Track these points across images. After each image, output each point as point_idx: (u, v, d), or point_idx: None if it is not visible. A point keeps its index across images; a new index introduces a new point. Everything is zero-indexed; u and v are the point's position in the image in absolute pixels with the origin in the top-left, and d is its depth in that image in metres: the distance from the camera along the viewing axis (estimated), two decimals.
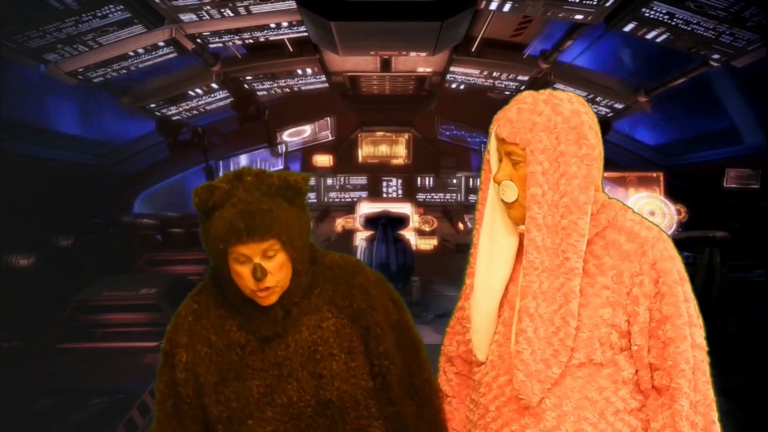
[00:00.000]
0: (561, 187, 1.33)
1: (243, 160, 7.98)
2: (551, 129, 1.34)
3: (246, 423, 1.39)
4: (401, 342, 1.53)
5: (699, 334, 1.33)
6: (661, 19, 4.40)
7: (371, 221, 5.72)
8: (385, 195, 8.14)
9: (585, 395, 1.32)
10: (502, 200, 1.41)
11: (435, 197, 8.12)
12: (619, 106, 6.67)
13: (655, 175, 6.73)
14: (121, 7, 4.39)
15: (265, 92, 7.10)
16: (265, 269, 1.37)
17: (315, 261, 1.52)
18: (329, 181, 8.15)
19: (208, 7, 4.61)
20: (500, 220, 1.44)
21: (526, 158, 1.35)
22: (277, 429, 1.40)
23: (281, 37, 5.49)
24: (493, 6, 4.51)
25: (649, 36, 4.68)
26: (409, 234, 6.57)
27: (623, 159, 7.64)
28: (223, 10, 4.68)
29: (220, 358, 1.42)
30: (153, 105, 6.62)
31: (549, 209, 1.33)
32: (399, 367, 1.51)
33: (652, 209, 6.17)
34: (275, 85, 6.95)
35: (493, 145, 1.44)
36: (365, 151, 8.31)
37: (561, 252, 1.32)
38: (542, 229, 1.33)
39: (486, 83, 6.71)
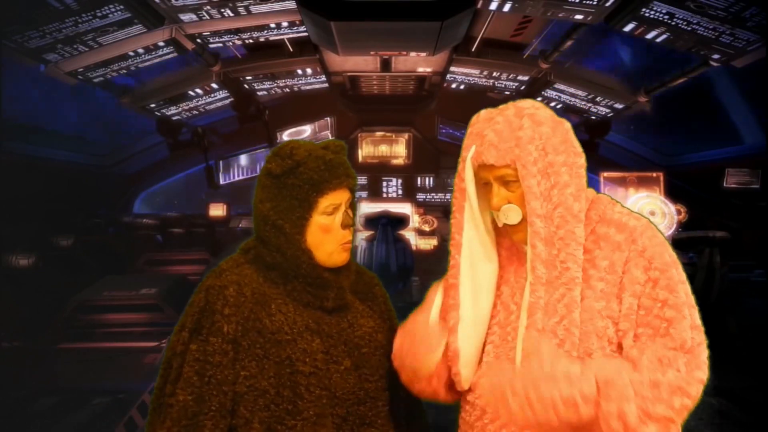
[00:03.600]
0: (554, 197, 1.32)
1: (243, 160, 7.98)
2: (536, 140, 1.34)
3: (295, 403, 1.38)
4: None
5: (696, 316, 1.32)
6: (661, 19, 4.40)
7: (371, 221, 5.72)
8: (385, 195, 8.14)
9: None
10: (506, 224, 1.39)
11: (435, 197, 8.12)
12: (619, 106, 6.67)
13: (655, 175, 6.74)
14: (121, 7, 4.38)
15: (265, 92, 7.10)
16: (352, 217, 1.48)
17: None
18: None
19: (208, 7, 4.60)
20: (479, 248, 1.43)
21: (518, 175, 1.34)
22: (322, 413, 1.39)
23: (281, 37, 5.48)
24: (493, 6, 4.50)
25: (649, 36, 4.68)
26: (409, 234, 6.58)
27: (623, 159, 7.65)
28: (223, 10, 4.67)
29: (270, 334, 1.40)
30: (153, 105, 6.61)
31: (544, 221, 1.32)
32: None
33: (652, 209, 6.18)
34: (275, 85, 6.94)
35: (469, 174, 1.40)
36: (365, 151, 8.31)
37: (559, 262, 1.32)
38: (545, 241, 1.32)
39: (486, 83, 6.71)
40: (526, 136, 1.33)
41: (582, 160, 1.37)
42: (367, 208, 6.88)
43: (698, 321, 1.32)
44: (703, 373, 1.27)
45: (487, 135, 1.37)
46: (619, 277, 1.32)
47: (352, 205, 1.52)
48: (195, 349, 1.37)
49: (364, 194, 8.05)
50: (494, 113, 1.40)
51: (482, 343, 1.43)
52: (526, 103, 1.39)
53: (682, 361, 1.26)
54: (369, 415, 1.45)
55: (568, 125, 1.39)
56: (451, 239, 1.46)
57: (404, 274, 5.55)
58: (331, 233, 1.45)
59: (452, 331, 1.42)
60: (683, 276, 1.34)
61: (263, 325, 1.40)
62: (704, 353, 1.29)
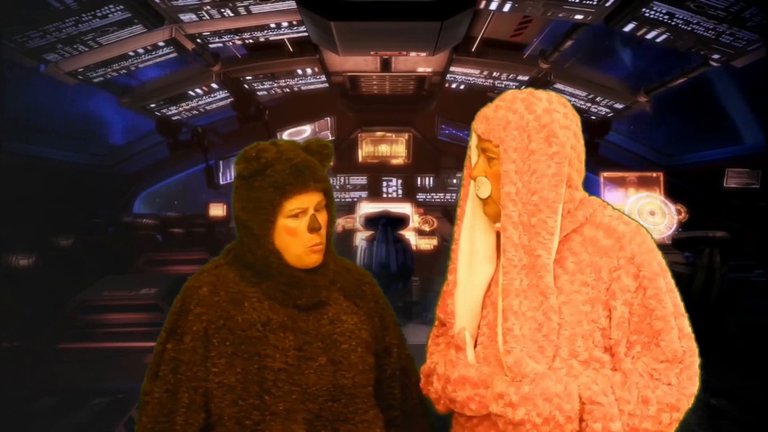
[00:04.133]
0: (532, 185, 1.33)
1: None
2: (523, 127, 1.35)
3: (262, 398, 1.39)
4: (402, 356, 1.63)
5: (686, 324, 1.33)
6: (661, 19, 4.40)
7: (371, 221, 5.71)
8: (385, 195, 8.13)
9: None
10: (477, 196, 1.43)
11: (435, 197, 8.12)
12: (619, 106, 6.67)
13: (655, 175, 6.73)
14: (121, 7, 4.39)
15: (265, 92, 7.10)
16: (319, 221, 1.44)
17: (335, 256, 1.58)
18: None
19: (208, 7, 4.61)
20: (480, 216, 1.46)
21: (499, 156, 1.37)
22: (292, 408, 1.40)
23: (281, 37, 5.49)
24: (493, 6, 4.50)
25: (649, 36, 4.68)
26: (409, 234, 6.57)
27: (623, 159, 7.65)
28: (223, 10, 4.67)
29: (241, 332, 1.42)
30: (153, 105, 6.62)
31: (524, 207, 1.34)
32: (398, 378, 1.60)
33: (652, 209, 6.17)
34: (275, 85, 6.95)
35: (473, 140, 1.46)
36: (365, 151, 8.31)
37: (531, 249, 1.33)
38: (518, 227, 1.34)
39: (486, 83, 6.71)
40: (514, 121, 1.36)
41: (566, 149, 1.36)
42: (367, 208, 6.87)
43: (688, 329, 1.32)
44: (693, 386, 1.29)
45: (490, 107, 1.41)
46: (606, 283, 1.32)
47: (329, 208, 1.50)
48: (171, 348, 1.44)
49: (364, 194, 8.05)
50: (511, 92, 1.43)
51: (476, 311, 1.44)
52: (542, 94, 1.41)
53: (673, 373, 1.27)
54: (345, 411, 1.44)
55: (557, 115, 1.37)
56: (458, 207, 1.50)
57: (404, 274, 5.54)
58: (297, 237, 1.43)
59: (449, 294, 1.47)
60: (671, 284, 1.34)
61: (234, 323, 1.43)
62: (696, 362, 1.30)
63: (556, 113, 1.37)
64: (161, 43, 5.20)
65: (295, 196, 1.42)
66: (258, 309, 1.45)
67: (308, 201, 1.44)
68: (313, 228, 1.43)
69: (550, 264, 1.33)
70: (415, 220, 7.05)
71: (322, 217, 1.47)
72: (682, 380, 1.27)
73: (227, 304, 1.45)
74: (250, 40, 5.42)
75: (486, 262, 1.45)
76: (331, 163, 1.56)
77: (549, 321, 1.31)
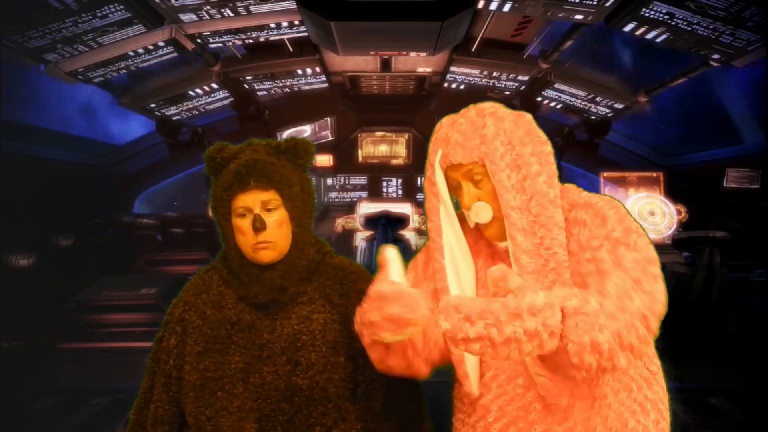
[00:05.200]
0: (527, 188, 1.34)
1: None
2: (501, 135, 1.35)
3: (215, 394, 1.43)
4: None
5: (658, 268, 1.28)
6: (661, 19, 4.40)
7: (371, 221, 5.71)
8: (385, 195, 8.14)
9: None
10: (478, 223, 1.40)
11: None
12: (619, 106, 6.67)
13: (655, 175, 6.73)
14: (121, 7, 4.39)
15: (265, 92, 7.10)
16: (264, 221, 1.43)
17: (322, 255, 1.57)
18: (329, 181, 8.16)
19: (208, 7, 4.61)
20: (458, 250, 1.44)
21: (487, 171, 1.36)
22: (243, 406, 1.42)
23: (281, 37, 5.49)
24: (493, 6, 4.50)
25: (649, 36, 4.68)
26: (409, 234, 6.57)
27: (623, 159, 7.65)
28: (223, 10, 4.67)
29: (210, 331, 1.48)
30: (153, 105, 6.62)
31: (520, 213, 1.33)
32: (383, 381, 1.48)
33: (652, 209, 6.18)
34: (275, 85, 6.94)
35: (440, 178, 1.42)
36: (365, 151, 8.31)
37: (544, 249, 1.32)
38: (522, 232, 1.33)
39: (486, 83, 6.71)
40: (490, 133, 1.36)
41: (549, 147, 1.38)
42: (367, 208, 6.87)
43: (658, 271, 1.27)
44: (662, 306, 1.21)
45: (452, 136, 1.39)
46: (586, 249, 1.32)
47: (289, 206, 1.47)
48: (162, 347, 1.54)
49: (364, 194, 8.05)
50: (456, 117, 1.42)
51: None
52: (486, 104, 1.42)
53: (646, 287, 1.21)
54: (298, 414, 1.42)
55: (529, 117, 1.40)
56: (431, 244, 1.45)
57: None
58: (244, 235, 1.46)
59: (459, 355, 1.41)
60: (646, 239, 1.31)
61: (207, 323, 1.49)
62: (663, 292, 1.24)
63: (525, 116, 1.40)
64: (161, 43, 5.20)
65: (238, 195, 1.45)
66: (233, 309, 1.49)
67: (251, 200, 1.45)
68: (255, 227, 1.44)
69: (567, 260, 1.32)
70: (415, 220, 7.04)
71: (274, 216, 1.45)
72: (655, 291, 1.21)
73: (206, 306, 1.51)
74: (250, 40, 5.42)
75: (473, 293, 1.43)
76: (312, 162, 1.55)
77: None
